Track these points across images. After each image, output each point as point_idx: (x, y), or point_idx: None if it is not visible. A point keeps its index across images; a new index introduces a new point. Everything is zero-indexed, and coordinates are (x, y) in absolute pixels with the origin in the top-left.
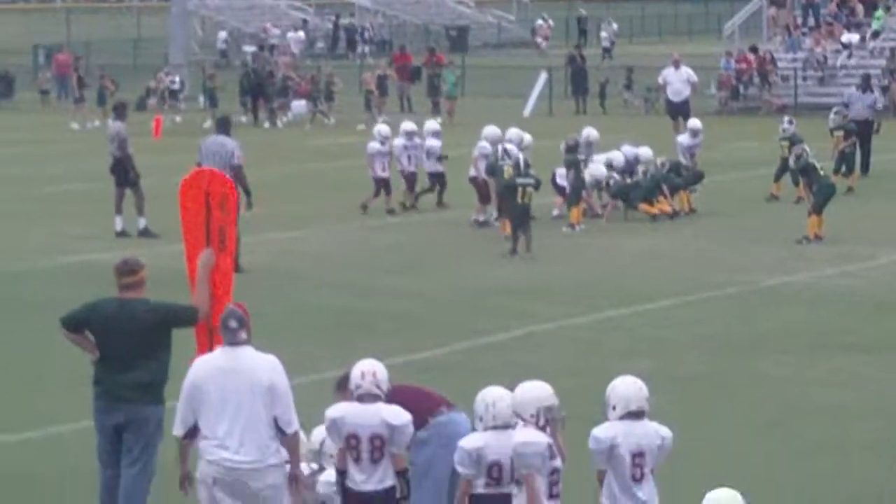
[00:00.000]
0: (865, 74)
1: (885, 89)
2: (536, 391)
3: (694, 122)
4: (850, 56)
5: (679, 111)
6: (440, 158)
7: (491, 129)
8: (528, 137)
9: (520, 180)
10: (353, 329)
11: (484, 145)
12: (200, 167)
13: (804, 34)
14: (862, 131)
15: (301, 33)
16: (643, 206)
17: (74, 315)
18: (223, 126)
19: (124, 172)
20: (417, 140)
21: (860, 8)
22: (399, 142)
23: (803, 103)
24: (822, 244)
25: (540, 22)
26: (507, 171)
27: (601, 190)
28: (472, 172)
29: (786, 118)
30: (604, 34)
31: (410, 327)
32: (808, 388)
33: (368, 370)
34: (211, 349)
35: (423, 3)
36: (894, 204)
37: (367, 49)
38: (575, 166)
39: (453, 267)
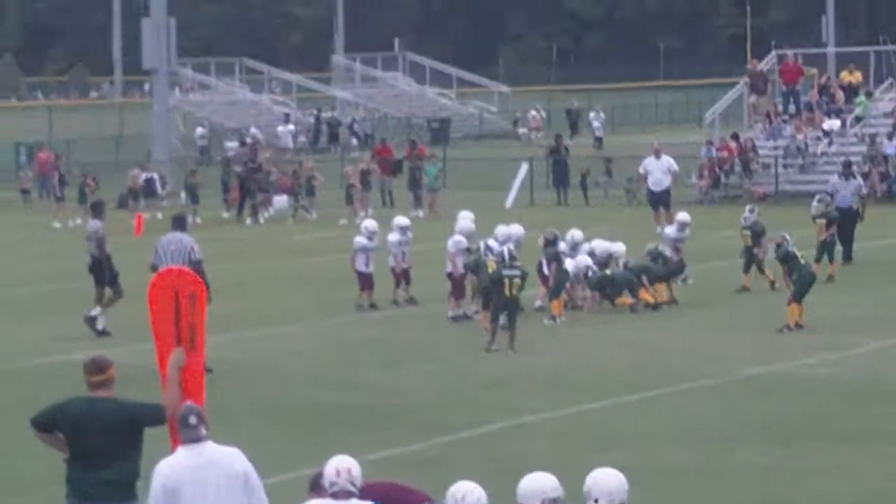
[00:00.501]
0: (846, 161)
1: (865, 176)
2: (541, 482)
3: (683, 216)
4: (830, 143)
5: (660, 201)
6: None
7: (465, 224)
8: (517, 230)
9: (506, 272)
10: (330, 424)
11: (459, 240)
12: (156, 268)
13: (785, 122)
14: (845, 219)
15: (291, 126)
16: (619, 300)
17: (44, 415)
18: (178, 224)
19: (103, 271)
20: (410, 235)
21: (840, 95)
22: (394, 237)
23: (784, 191)
24: (802, 333)
25: (533, 113)
26: (491, 264)
27: (580, 282)
28: (449, 268)
29: (748, 207)
30: (595, 123)
31: (389, 422)
32: (792, 478)
33: (343, 467)
34: None
35: (405, 95)
36: (874, 292)
37: (354, 141)
38: (556, 260)
39: (432, 361)
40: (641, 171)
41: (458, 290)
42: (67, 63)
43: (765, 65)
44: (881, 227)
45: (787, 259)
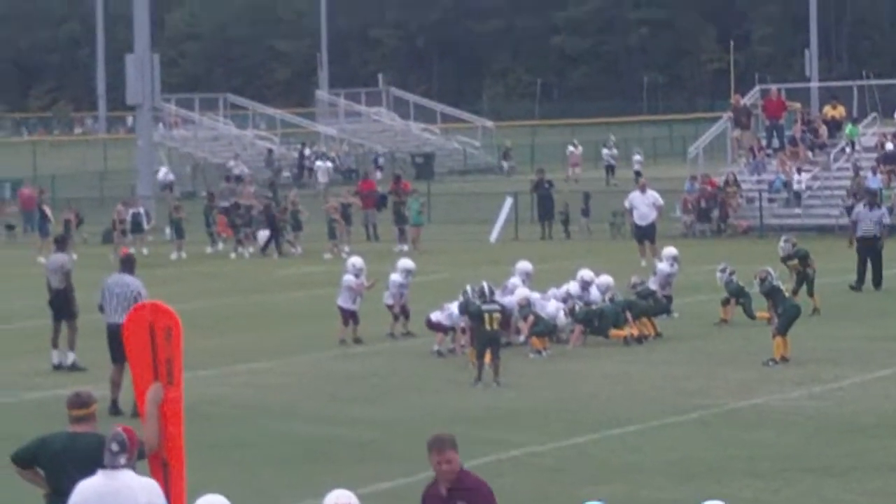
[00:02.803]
0: (872, 191)
1: (849, 210)
2: None
3: (671, 251)
4: (814, 178)
5: (645, 235)
6: None
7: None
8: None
9: (485, 307)
10: (317, 459)
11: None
12: (102, 309)
13: (769, 156)
14: (869, 248)
15: (329, 163)
16: (613, 333)
17: (24, 450)
18: (126, 266)
19: (66, 305)
20: (412, 278)
21: (824, 129)
22: (396, 278)
23: (769, 225)
24: (788, 366)
25: (571, 148)
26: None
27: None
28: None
29: (783, 238)
30: (605, 151)
31: (375, 457)
32: None
33: (343, 502)
34: (167, 484)
35: (389, 130)
36: (858, 324)
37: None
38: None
39: (417, 395)
40: (627, 205)
41: (443, 328)
42: (51, 99)
43: (748, 99)
44: None
45: (771, 293)
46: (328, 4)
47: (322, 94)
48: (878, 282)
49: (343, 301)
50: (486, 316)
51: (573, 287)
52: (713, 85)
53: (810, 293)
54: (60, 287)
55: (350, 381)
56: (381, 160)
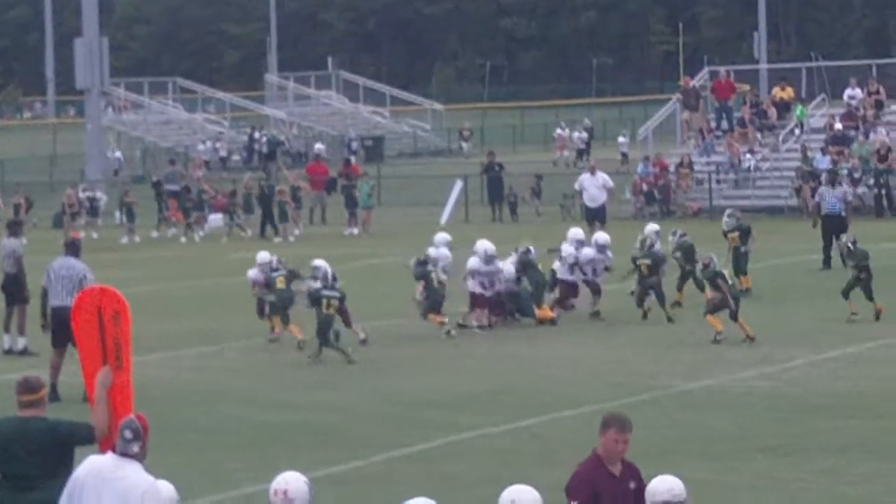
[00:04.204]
0: (832, 170)
1: (797, 191)
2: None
3: (601, 237)
4: (763, 159)
5: (596, 217)
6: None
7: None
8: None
9: (325, 292)
10: (268, 443)
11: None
12: (46, 292)
13: (718, 138)
14: (834, 226)
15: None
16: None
17: None
18: (71, 249)
19: (17, 290)
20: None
21: (773, 111)
22: (476, 264)
23: (718, 206)
24: (739, 346)
25: (559, 131)
26: (281, 281)
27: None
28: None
29: (727, 212)
30: (576, 135)
31: (328, 440)
32: (732, 492)
33: (280, 487)
34: None
35: (339, 113)
36: (807, 305)
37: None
38: (426, 279)
39: (370, 379)
40: (577, 187)
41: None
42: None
43: (697, 81)
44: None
45: (713, 277)
46: None
47: (272, 77)
48: (827, 262)
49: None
50: (325, 301)
51: (566, 248)
52: (662, 67)
53: (744, 271)
54: (12, 272)
55: (304, 366)
56: (354, 144)
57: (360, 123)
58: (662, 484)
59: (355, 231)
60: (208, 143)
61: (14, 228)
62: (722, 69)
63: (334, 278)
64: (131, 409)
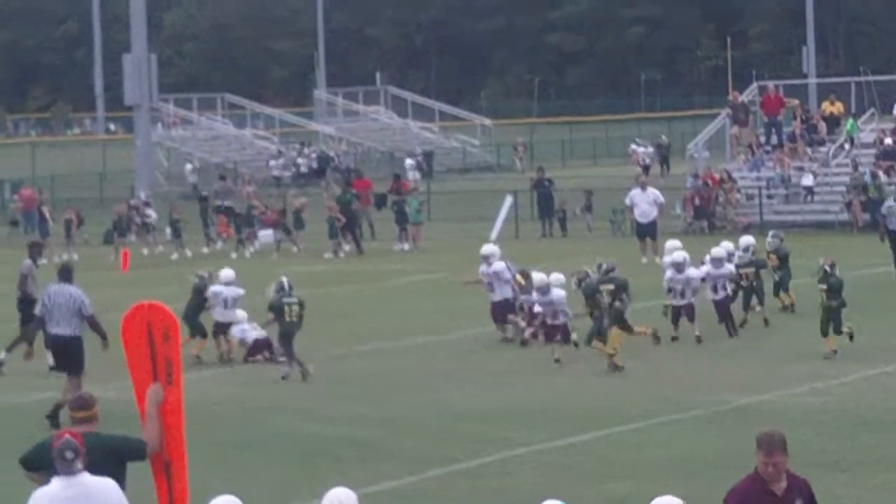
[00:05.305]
0: None
1: (847, 205)
2: None
3: (718, 251)
4: (813, 174)
5: (647, 232)
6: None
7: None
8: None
9: (285, 300)
10: (321, 459)
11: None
12: (43, 320)
13: (767, 153)
14: None
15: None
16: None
17: (30, 454)
18: (64, 275)
19: (30, 308)
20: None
21: (822, 125)
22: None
23: (769, 221)
24: (791, 362)
25: (633, 147)
26: (272, 294)
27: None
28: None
29: (771, 233)
30: (640, 150)
31: (379, 455)
32: None
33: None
34: (169, 484)
35: (387, 129)
36: (860, 320)
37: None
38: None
39: (421, 394)
40: (627, 202)
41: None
42: (49, 100)
43: (746, 96)
44: (868, 255)
45: (588, 293)
46: (325, 3)
47: (320, 93)
48: None
49: (218, 314)
50: (286, 308)
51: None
52: (711, 82)
53: (785, 290)
54: (20, 292)
55: (353, 380)
56: (409, 161)
57: (410, 139)
58: None
59: (406, 246)
60: (280, 160)
61: (30, 249)
62: (771, 84)
63: (290, 287)
64: (182, 425)
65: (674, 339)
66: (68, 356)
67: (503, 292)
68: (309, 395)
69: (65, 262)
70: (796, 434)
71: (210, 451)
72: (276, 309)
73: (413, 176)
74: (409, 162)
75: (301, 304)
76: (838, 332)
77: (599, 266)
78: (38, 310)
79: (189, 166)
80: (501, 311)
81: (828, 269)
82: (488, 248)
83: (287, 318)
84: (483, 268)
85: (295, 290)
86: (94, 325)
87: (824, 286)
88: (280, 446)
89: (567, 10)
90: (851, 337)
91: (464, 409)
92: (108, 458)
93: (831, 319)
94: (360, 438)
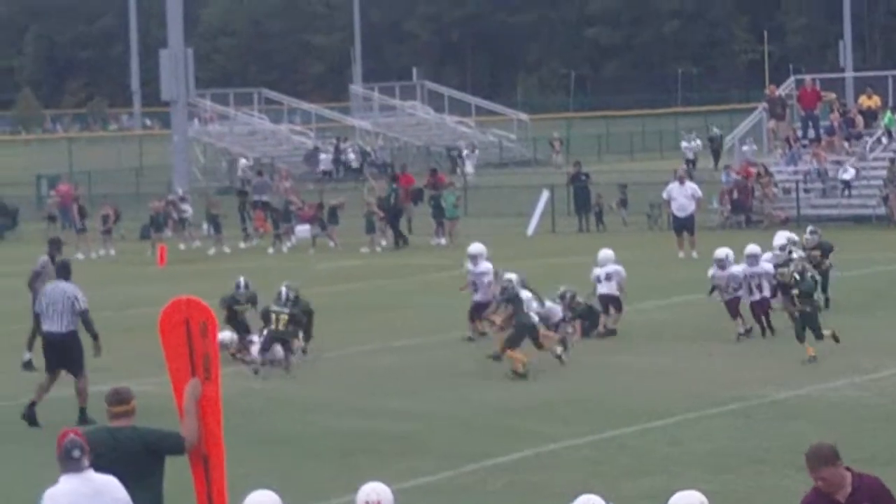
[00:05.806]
0: None
1: (885, 199)
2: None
3: (753, 248)
4: (851, 167)
5: (684, 227)
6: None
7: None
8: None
9: (274, 307)
10: (358, 453)
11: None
12: (38, 316)
13: (804, 147)
14: None
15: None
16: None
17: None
18: (62, 272)
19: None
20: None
21: (860, 119)
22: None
23: (806, 216)
24: (828, 356)
25: (684, 143)
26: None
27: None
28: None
29: (808, 229)
30: (685, 144)
31: (416, 450)
32: None
33: (373, 499)
34: (207, 479)
35: (424, 124)
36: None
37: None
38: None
39: (455, 389)
40: (665, 196)
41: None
42: (86, 95)
43: (783, 90)
44: None
45: (511, 301)
46: None
47: (356, 88)
48: None
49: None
50: (274, 316)
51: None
52: (747, 76)
53: (824, 289)
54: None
55: (387, 375)
56: (464, 152)
57: (446, 134)
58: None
59: (443, 241)
60: (330, 153)
61: (49, 246)
62: (808, 77)
63: (287, 298)
64: (220, 420)
65: (748, 331)
66: (65, 353)
67: (485, 294)
68: (344, 390)
69: (63, 259)
70: (833, 428)
71: (247, 445)
72: (265, 316)
73: (468, 169)
74: (465, 152)
75: (290, 315)
76: (819, 337)
77: (563, 295)
78: (35, 307)
79: (244, 161)
80: (479, 312)
81: (797, 276)
82: (476, 248)
83: (273, 326)
84: (469, 266)
85: (301, 299)
86: (86, 322)
87: (796, 291)
88: (316, 441)
89: (603, 5)
90: (837, 339)
91: (498, 404)
92: (147, 453)
93: (807, 325)
94: (396, 433)
